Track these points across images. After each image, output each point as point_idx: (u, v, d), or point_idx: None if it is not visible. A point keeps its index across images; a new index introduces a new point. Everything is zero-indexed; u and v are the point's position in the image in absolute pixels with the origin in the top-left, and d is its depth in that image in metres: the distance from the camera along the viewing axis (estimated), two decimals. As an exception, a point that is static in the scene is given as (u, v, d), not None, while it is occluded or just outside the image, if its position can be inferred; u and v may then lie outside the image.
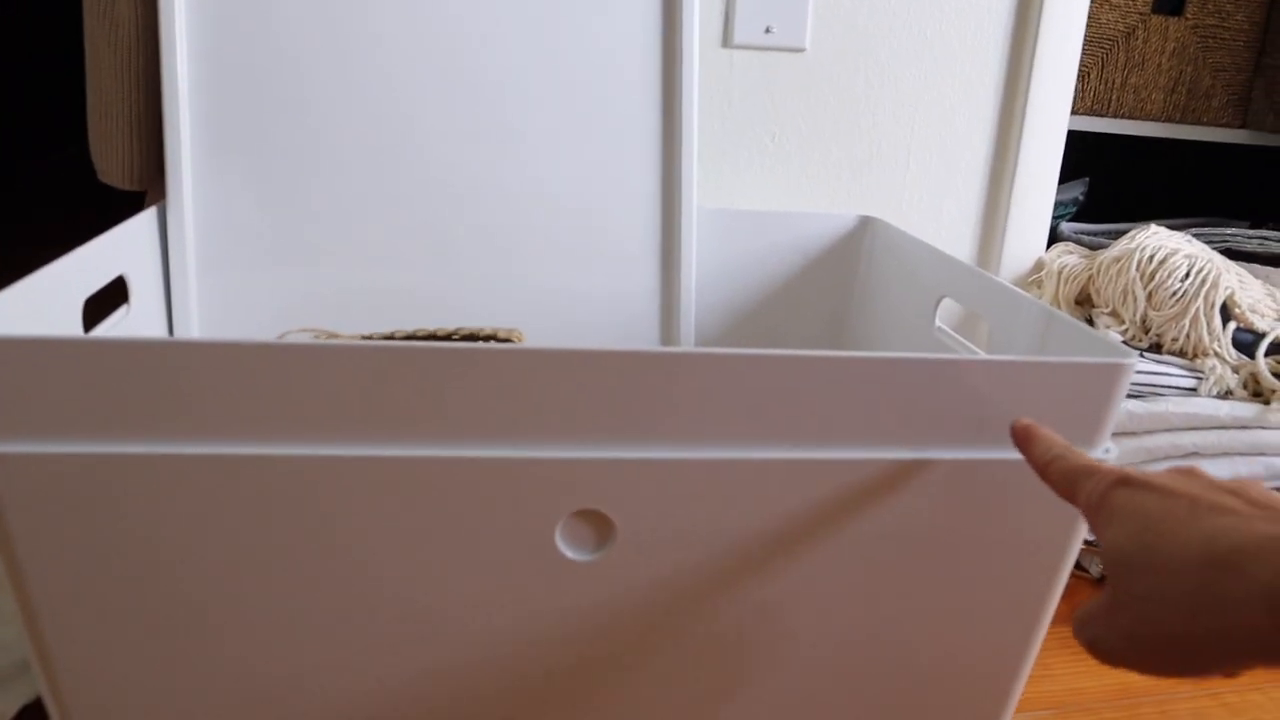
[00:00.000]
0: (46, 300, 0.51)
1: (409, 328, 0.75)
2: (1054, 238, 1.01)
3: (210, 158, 0.71)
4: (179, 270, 0.70)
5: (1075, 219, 1.13)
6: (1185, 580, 0.32)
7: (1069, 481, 0.39)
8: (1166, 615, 0.32)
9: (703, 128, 0.85)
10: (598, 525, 0.46)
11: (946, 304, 0.71)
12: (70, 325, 0.54)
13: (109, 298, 0.61)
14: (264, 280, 0.73)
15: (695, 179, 0.77)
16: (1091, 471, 0.38)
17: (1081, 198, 1.16)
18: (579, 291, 0.78)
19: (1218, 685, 0.73)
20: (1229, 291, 0.83)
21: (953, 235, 0.95)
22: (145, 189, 0.82)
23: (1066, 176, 0.99)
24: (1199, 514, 0.33)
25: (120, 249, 0.63)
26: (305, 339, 0.66)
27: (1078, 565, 0.84)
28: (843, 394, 0.45)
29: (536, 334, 0.77)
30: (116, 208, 0.86)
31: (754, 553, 0.47)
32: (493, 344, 0.45)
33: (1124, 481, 0.36)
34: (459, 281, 0.76)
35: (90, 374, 0.40)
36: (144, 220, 0.67)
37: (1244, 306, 0.83)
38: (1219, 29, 1.13)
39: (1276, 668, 0.30)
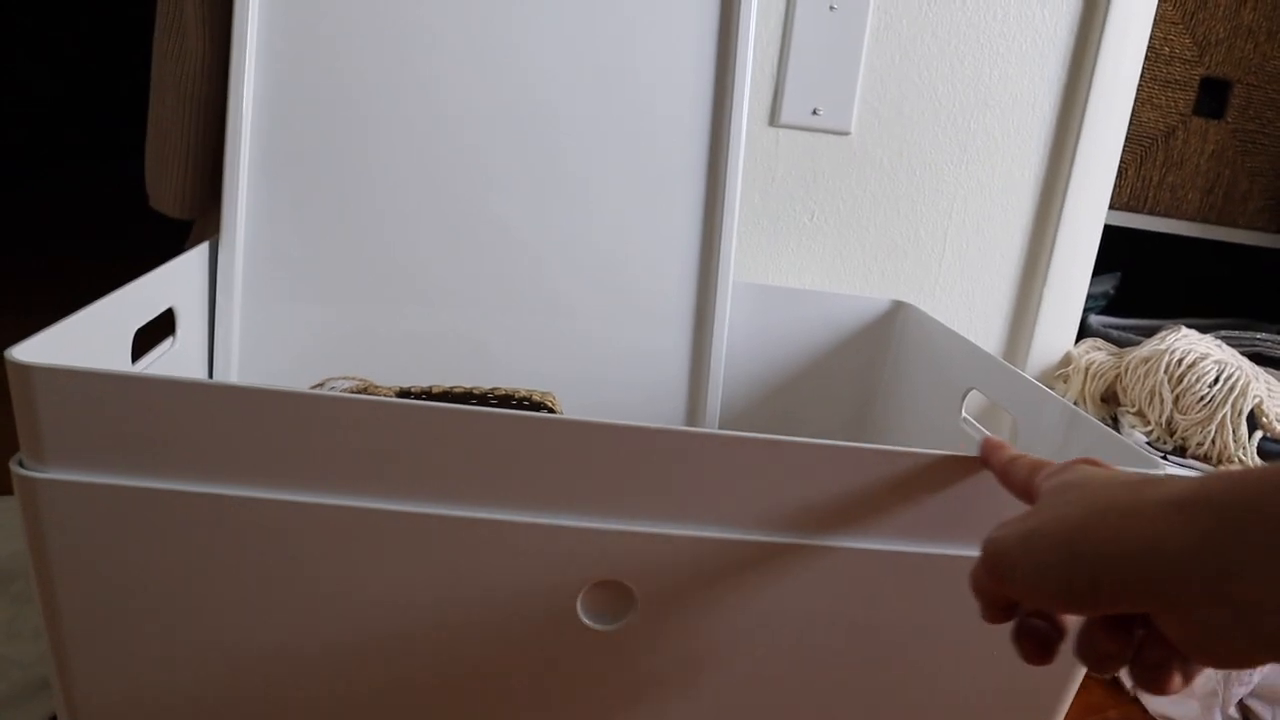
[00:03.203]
0: (101, 331, 0.53)
1: (442, 370, 0.77)
2: (1083, 330, 1.02)
3: (265, 195, 0.73)
4: (225, 304, 0.72)
5: (1105, 312, 1.14)
6: (1108, 490, 0.31)
7: (1029, 473, 0.39)
8: (1074, 513, 0.31)
9: (744, 201, 0.86)
10: (618, 595, 0.46)
11: (974, 395, 0.71)
12: (120, 356, 0.55)
13: (155, 327, 0.62)
14: (304, 317, 0.74)
15: (734, 251, 0.78)
16: (1051, 462, 0.39)
17: (1113, 291, 1.16)
18: (611, 349, 0.79)
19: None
20: (1257, 400, 0.83)
21: (984, 323, 0.96)
22: (194, 218, 0.84)
23: (1099, 270, 0.99)
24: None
25: (172, 282, 0.64)
26: (345, 386, 0.68)
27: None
28: (860, 484, 0.46)
29: (565, 386, 0.78)
30: (147, 224, 0.88)
31: (771, 634, 0.48)
32: (526, 411, 0.46)
33: (1086, 460, 0.37)
34: (495, 328, 0.77)
35: (135, 409, 0.41)
36: (196, 255, 0.69)
37: (1271, 416, 0.83)
38: (1258, 134, 1.14)
39: (1154, 587, 0.28)
